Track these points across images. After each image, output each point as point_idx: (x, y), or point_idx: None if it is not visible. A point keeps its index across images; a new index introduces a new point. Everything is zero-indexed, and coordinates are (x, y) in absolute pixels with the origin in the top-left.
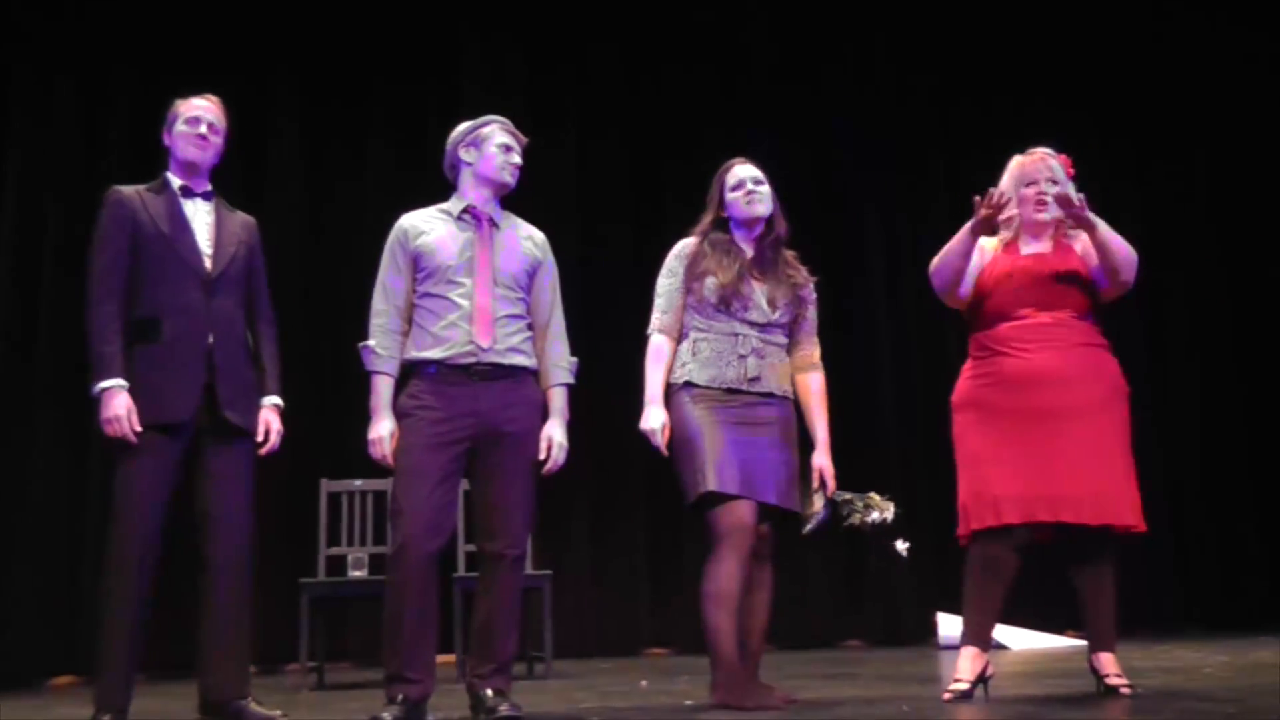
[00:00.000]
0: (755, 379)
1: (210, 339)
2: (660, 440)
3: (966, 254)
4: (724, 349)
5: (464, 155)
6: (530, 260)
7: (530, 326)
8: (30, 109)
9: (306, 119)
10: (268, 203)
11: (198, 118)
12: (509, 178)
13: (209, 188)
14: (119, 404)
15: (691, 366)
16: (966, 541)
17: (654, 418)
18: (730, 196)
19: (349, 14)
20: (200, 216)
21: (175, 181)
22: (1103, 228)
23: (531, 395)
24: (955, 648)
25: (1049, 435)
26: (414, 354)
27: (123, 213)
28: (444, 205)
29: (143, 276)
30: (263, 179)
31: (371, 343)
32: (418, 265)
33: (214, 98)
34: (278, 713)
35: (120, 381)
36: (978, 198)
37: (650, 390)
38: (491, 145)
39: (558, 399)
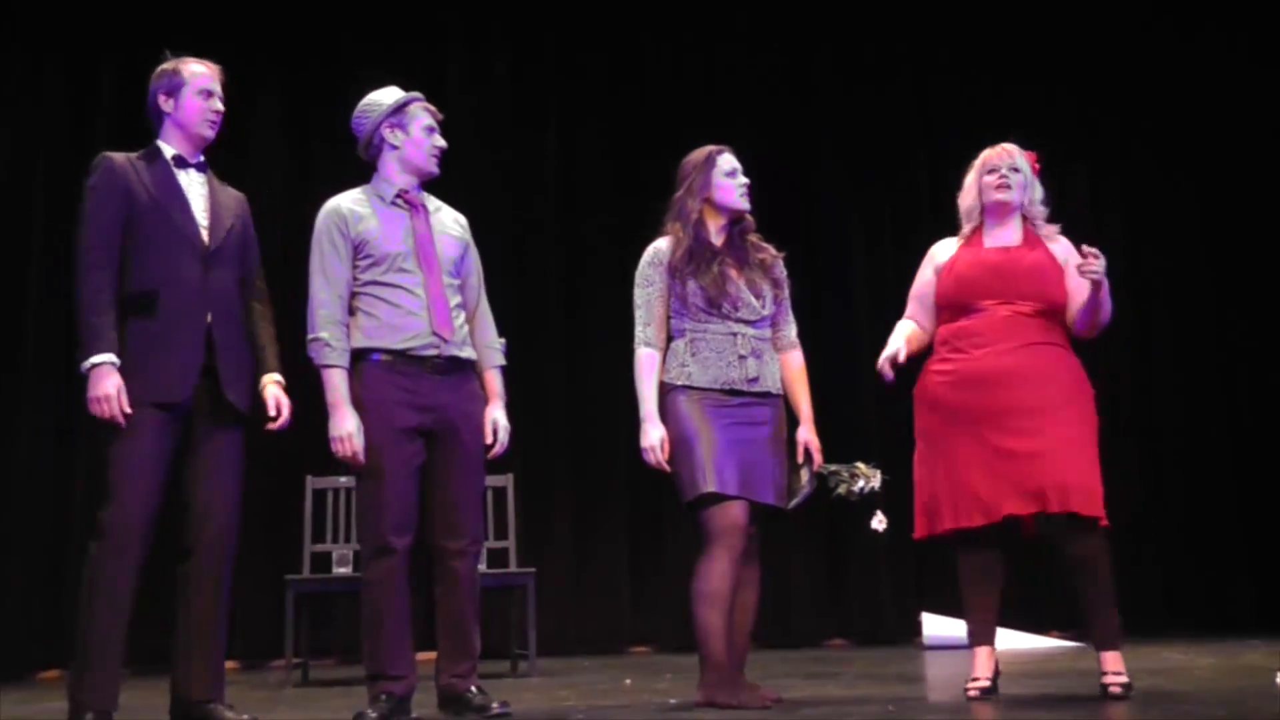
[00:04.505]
0: (755, 379)
1: (209, 316)
2: (661, 457)
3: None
4: (724, 348)
5: (388, 136)
6: (462, 245)
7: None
8: (17, 82)
9: (289, 110)
10: (250, 191)
11: (211, 90)
12: (436, 168)
13: (202, 158)
14: (110, 383)
15: (692, 369)
16: (922, 538)
17: (653, 434)
18: (724, 181)
19: (334, 3)
20: (195, 188)
21: (168, 150)
22: (1105, 288)
23: (477, 389)
24: (938, 647)
25: (1002, 434)
26: (364, 342)
27: (114, 180)
28: (371, 188)
29: (136, 248)
30: (245, 165)
31: (323, 335)
32: (360, 253)
33: (214, 64)
34: (246, 718)
35: (111, 358)
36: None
37: (645, 406)
38: (418, 129)
39: (497, 382)
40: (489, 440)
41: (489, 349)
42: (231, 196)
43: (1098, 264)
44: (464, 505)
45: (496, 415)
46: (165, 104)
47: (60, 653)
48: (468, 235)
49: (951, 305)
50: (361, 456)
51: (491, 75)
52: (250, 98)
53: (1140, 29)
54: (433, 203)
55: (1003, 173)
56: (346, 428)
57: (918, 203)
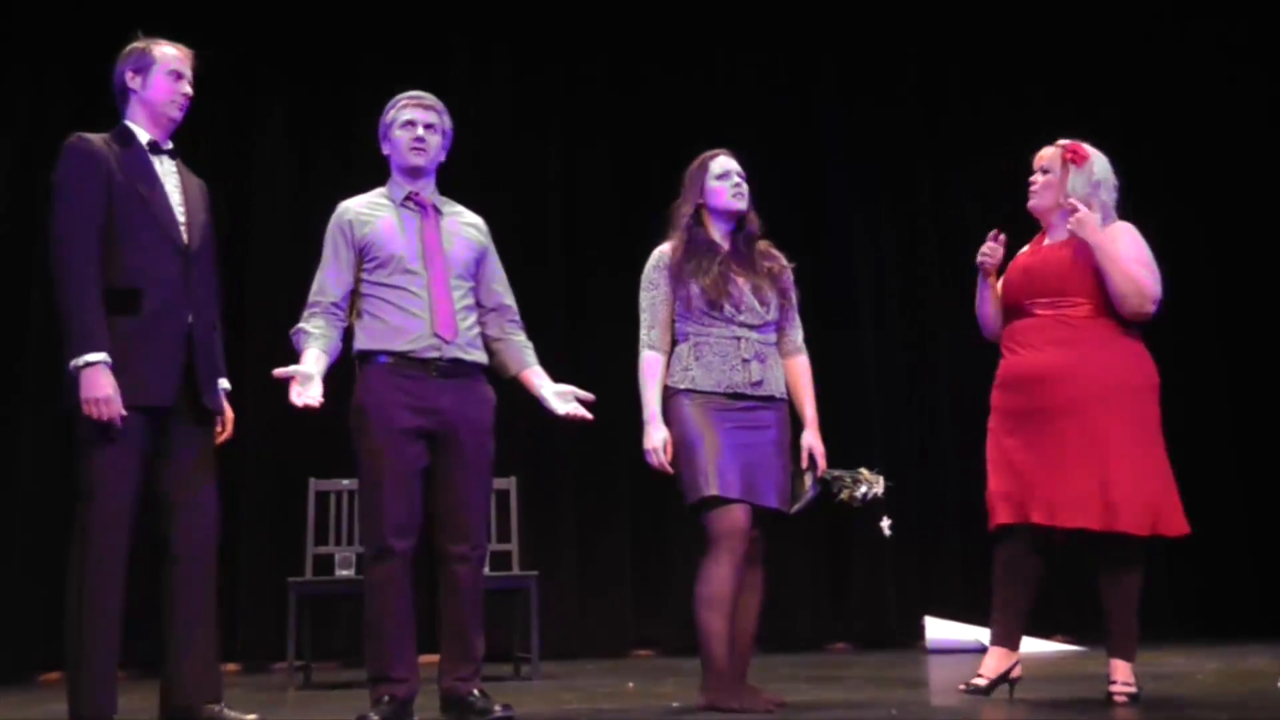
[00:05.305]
0: (758, 383)
1: (189, 317)
2: (664, 459)
3: (986, 298)
4: (728, 352)
5: (385, 150)
6: (477, 248)
7: (478, 319)
8: (17, 93)
9: (292, 119)
10: (256, 195)
11: (181, 72)
12: (417, 160)
13: (171, 145)
14: (106, 383)
15: (695, 372)
16: (992, 531)
17: (656, 437)
18: (714, 184)
19: (336, 11)
20: (170, 178)
21: (142, 135)
22: (1103, 250)
23: (486, 392)
24: (942, 651)
25: (1044, 435)
26: (369, 344)
27: (95, 165)
28: (384, 191)
29: (118, 240)
30: (250, 171)
31: (304, 325)
32: (366, 255)
33: (186, 48)
34: (252, 717)
35: (104, 357)
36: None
37: (649, 409)
38: (395, 129)
39: (542, 374)
40: (569, 411)
41: (526, 348)
42: (197, 186)
43: (1076, 213)
44: (466, 509)
45: (559, 388)
46: (133, 81)
47: (61, 654)
48: (486, 239)
49: (1004, 309)
50: (298, 396)
51: (494, 83)
52: (254, 107)
53: (1142, 37)
54: (449, 206)
55: (1035, 175)
56: (294, 369)
57: (921, 208)
